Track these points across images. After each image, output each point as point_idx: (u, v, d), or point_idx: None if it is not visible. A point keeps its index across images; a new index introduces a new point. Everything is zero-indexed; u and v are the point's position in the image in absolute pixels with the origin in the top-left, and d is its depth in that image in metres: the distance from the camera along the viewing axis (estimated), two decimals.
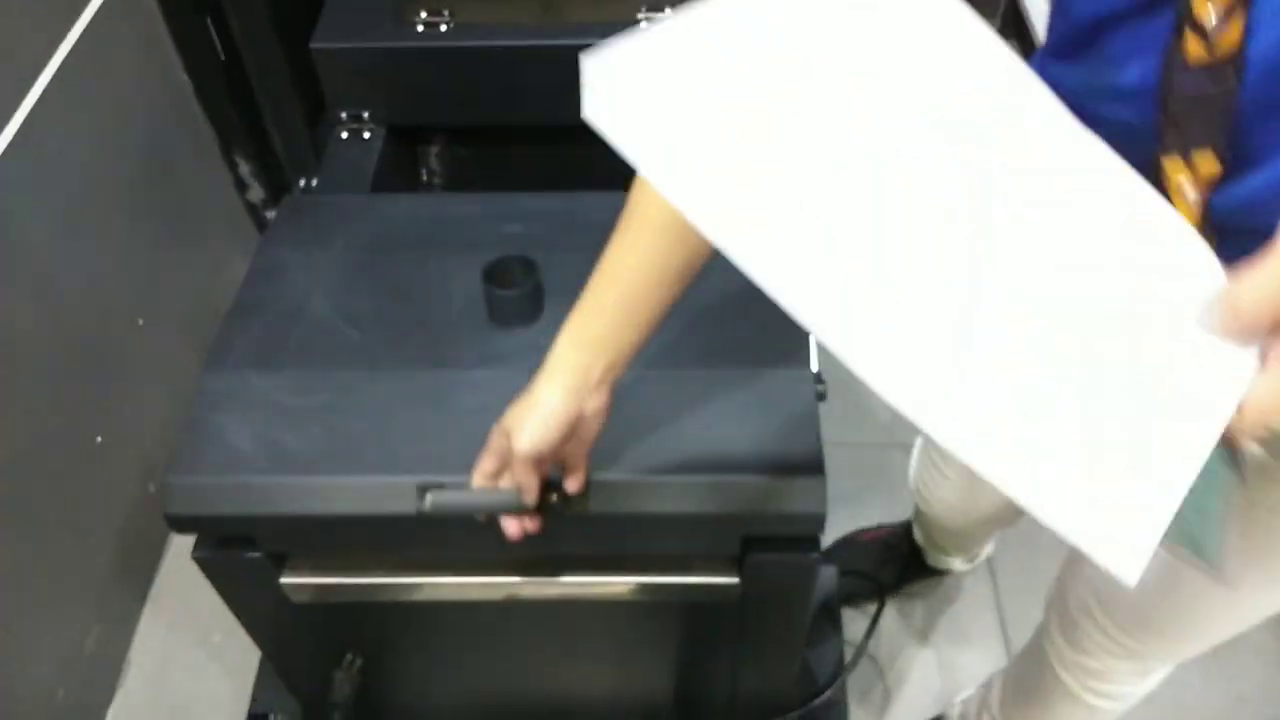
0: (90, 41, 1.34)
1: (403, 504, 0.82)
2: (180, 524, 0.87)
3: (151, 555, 1.61)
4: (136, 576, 1.58)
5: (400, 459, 0.86)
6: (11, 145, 1.21)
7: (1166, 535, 0.41)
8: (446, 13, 1.26)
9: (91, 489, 1.41)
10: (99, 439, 1.40)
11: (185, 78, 1.59)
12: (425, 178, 1.47)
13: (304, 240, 1.07)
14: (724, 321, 0.96)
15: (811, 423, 0.89)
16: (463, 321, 0.97)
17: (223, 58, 1.60)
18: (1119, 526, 0.39)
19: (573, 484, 0.79)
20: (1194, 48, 0.50)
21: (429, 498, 0.78)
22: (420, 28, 1.24)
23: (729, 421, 0.89)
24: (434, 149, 1.45)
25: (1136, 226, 0.45)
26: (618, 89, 0.43)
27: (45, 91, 1.27)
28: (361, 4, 1.29)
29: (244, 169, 1.73)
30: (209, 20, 1.56)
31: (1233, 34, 0.49)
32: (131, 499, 1.50)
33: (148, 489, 1.53)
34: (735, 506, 0.86)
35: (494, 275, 0.96)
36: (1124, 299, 0.42)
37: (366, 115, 1.29)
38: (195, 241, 1.65)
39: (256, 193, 1.77)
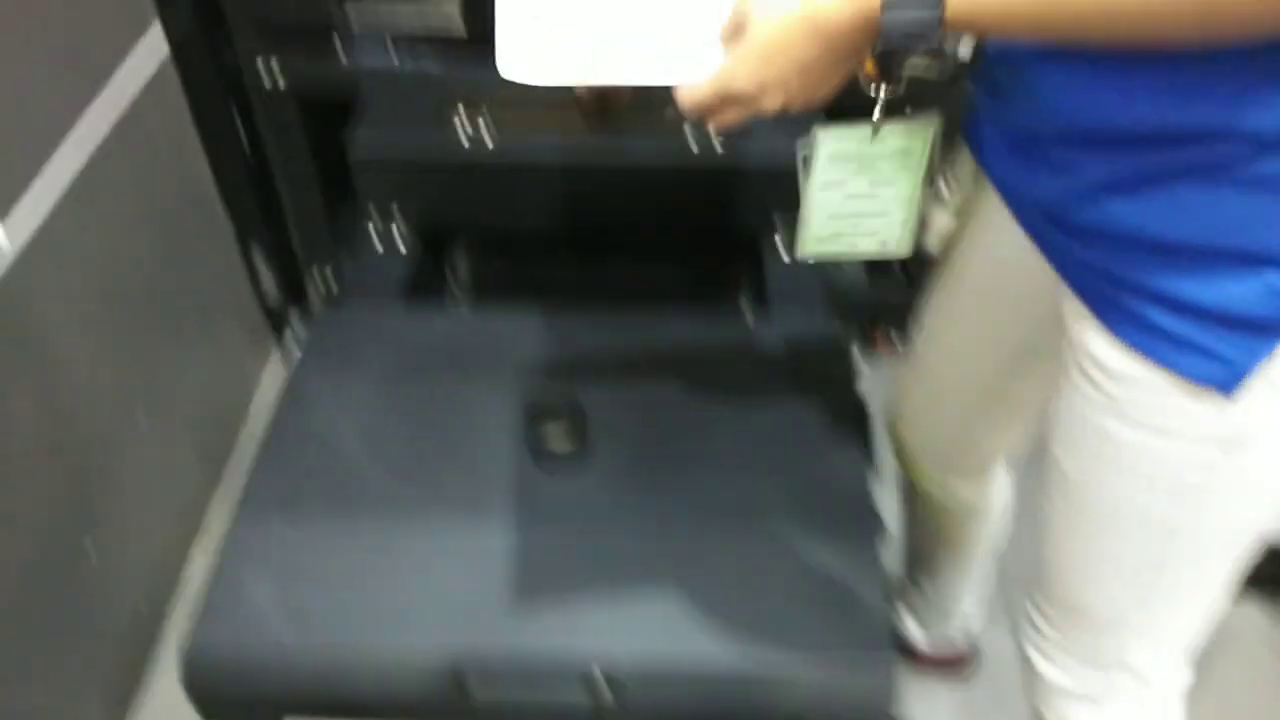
0: (120, 135, 1.29)
1: (435, 686, 0.75)
2: (201, 700, 0.79)
3: (132, 680, 1.51)
4: (117, 702, 1.48)
5: (435, 631, 0.78)
6: (35, 239, 1.15)
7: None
8: (486, 121, 1.21)
9: (75, 601, 1.32)
10: (90, 550, 1.32)
11: (208, 171, 1.53)
12: (452, 283, 1.41)
13: (335, 365, 1.01)
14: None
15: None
16: (503, 464, 0.90)
17: (248, 151, 1.55)
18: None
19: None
20: None
21: (473, 686, 0.70)
22: (464, 140, 1.19)
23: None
24: (461, 255, 1.39)
25: None
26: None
27: (72, 185, 1.21)
28: (400, 110, 1.24)
29: (260, 264, 1.67)
30: (237, 114, 1.51)
31: None
32: (116, 615, 1.41)
33: (135, 607, 1.43)
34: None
35: (538, 418, 0.89)
36: None
37: (400, 222, 1.23)
38: (205, 337, 1.58)
39: (270, 286, 1.71)
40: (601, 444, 0.91)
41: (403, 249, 1.22)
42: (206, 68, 1.45)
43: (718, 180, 1.18)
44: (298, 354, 1.04)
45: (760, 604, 0.81)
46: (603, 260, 1.37)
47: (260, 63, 1.46)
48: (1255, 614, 1.50)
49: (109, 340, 1.32)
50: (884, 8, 0.63)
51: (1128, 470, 0.79)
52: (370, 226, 1.23)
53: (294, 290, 1.78)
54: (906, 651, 1.46)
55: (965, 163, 0.96)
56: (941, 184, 1.03)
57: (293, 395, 0.98)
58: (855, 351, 1.03)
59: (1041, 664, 0.96)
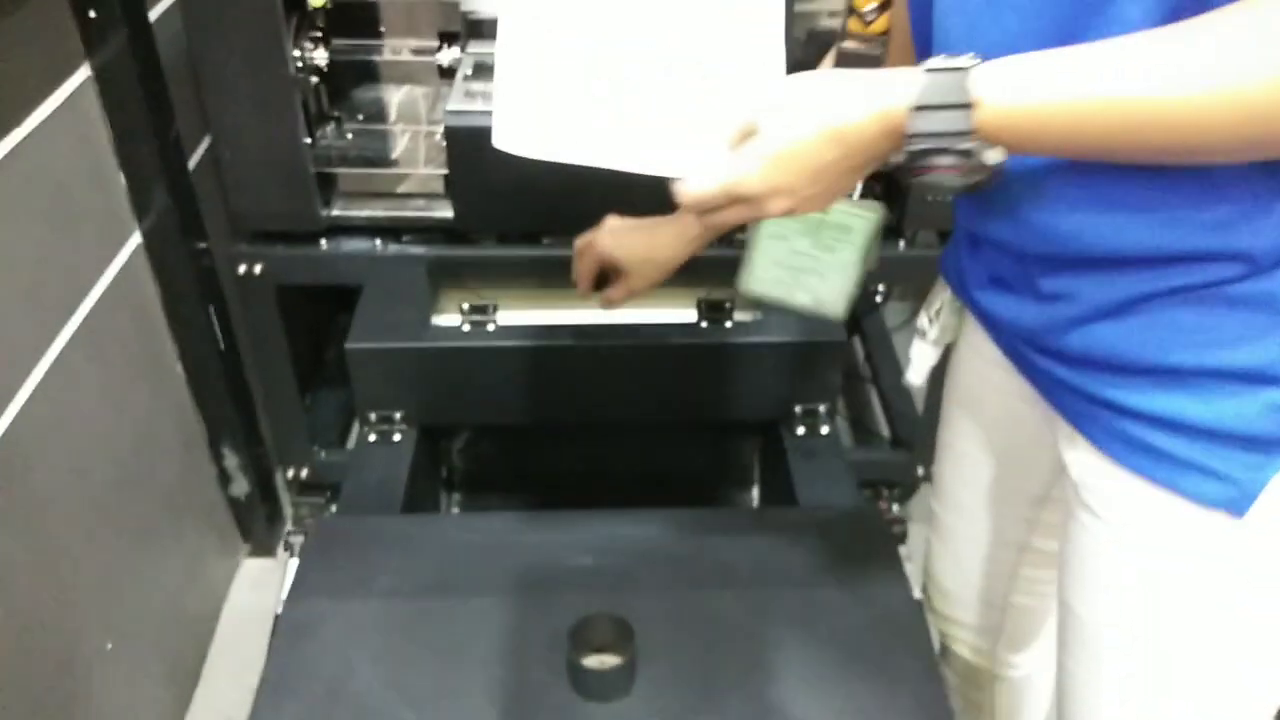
0: (87, 333, 1.22)
1: None
2: None
3: None
4: None
5: None
6: None
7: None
8: (491, 311, 1.17)
9: None
10: None
11: (179, 368, 1.46)
12: (447, 474, 1.34)
13: (338, 583, 0.91)
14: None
15: None
16: (540, 694, 0.81)
17: (222, 347, 1.49)
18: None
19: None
20: (855, 25, 0.82)
21: None
22: (466, 326, 1.14)
23: None
24: (457, 445, 1.32)
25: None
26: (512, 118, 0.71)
27: (36, 389, 1.13)
28: (395, 301, 1.19)
29: (230, 462, 1.58)
30: (211, 310, 1.46)
31: (882, 23, 0.81)
32: None
33: None
34: None
35: (580, 641, 0.81)
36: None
37: (398, 416, 1.17)
38: (172, 543, 1.47)
39: (241, 487, 1.61)
40: (647, 662, 0.83)
41: (405, 446, 1.15)
42: (179, 258, 1.41)
43: (729, 359, 1.15)
44: (292, 562, 0.95)
45: None
46: (614, 446, 1.32)
47: (235, 251, 1.42)
48: None
49: (74, 554, 1.21)
50: (911, 112, 0.59)
51: (1145, 603, 0.75)
52: (367, 428, 1.16)
53: (265, 490, 1.69)
54: None
55: (945, 297, 0.96)
56: (922, 319, 1.01)
57: (292, 622, 0.88)
58: (892, 532, 0.97)
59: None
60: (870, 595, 0.91)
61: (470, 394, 1.17)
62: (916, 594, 0.93)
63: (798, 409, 1.18)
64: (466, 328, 1.14)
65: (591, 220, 1.44)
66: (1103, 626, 0.80)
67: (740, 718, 0.80)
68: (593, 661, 0.83)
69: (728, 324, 1.14)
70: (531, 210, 1.42)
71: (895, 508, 1.85)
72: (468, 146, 1.37)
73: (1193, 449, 0.68)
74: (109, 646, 1.29)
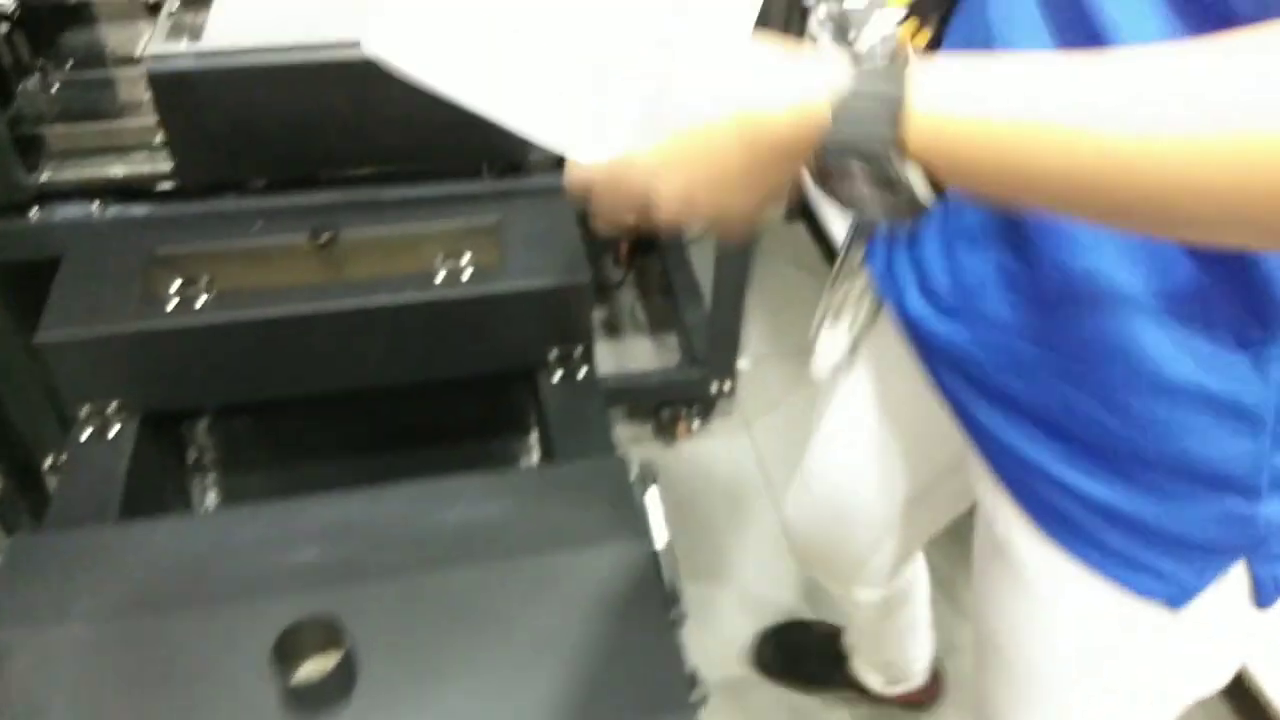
0: None
1: None
2: None
3: None
4: None
5: None
6: None
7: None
8: (204, 282, 1.07)
9: None
10: None
11: None
12: (195, 457, 1.25)
13: (31, 609, 0.83)
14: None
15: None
16: (253, 714, 0.76)
17: None
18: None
19: None
20: None
21: None
22: (173, 303, 1.04)
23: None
24: (201, 425, 1.23)
25: None
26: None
27: None
28: (97, 282, 1.08)
29: None
30: None
31: None
32: None
33: None
34: None
35: (285, 652, 0.76)
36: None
37: (114, 407, 1.07)
38: None
39: None
40: (369, 661, 0.78)
41: (124, 440, 1.05)
42: None
43: (469, 311, 1.09)
44: None
45: None
46: (383, 405, 1.25)
47: None
48: None
49: None
50: (834, 115, 0.48)
51: (1076, 660, 0.75)
52: (76, 425, 1.05)
53: (26, 480, 1.56)
54: (867, 695, 1.48)
55: (860, 285, 0.87)
56: (831, 299, 0.93)
57: None
58: (637, 480, 0.94)
59: None
60: (609, 553, 0.88)
61: (192, 374, 1.08)
62: (660, 543, 0.91)
63: (551, 354, 1.13)
64: (177, 302, 1.04)
65: (328, 163, 1.35)
66: (1028, 663, 0.79)
67: (467, 702, 0.77)
68: (306, 671, 0.78)
69: (465, 275, 1.08)
70: (259, 156, 1.31)
71: (696, 425, 1.86)
72: (175, 93, 1.24)
73: (1146, 551, 0.64)
74: None
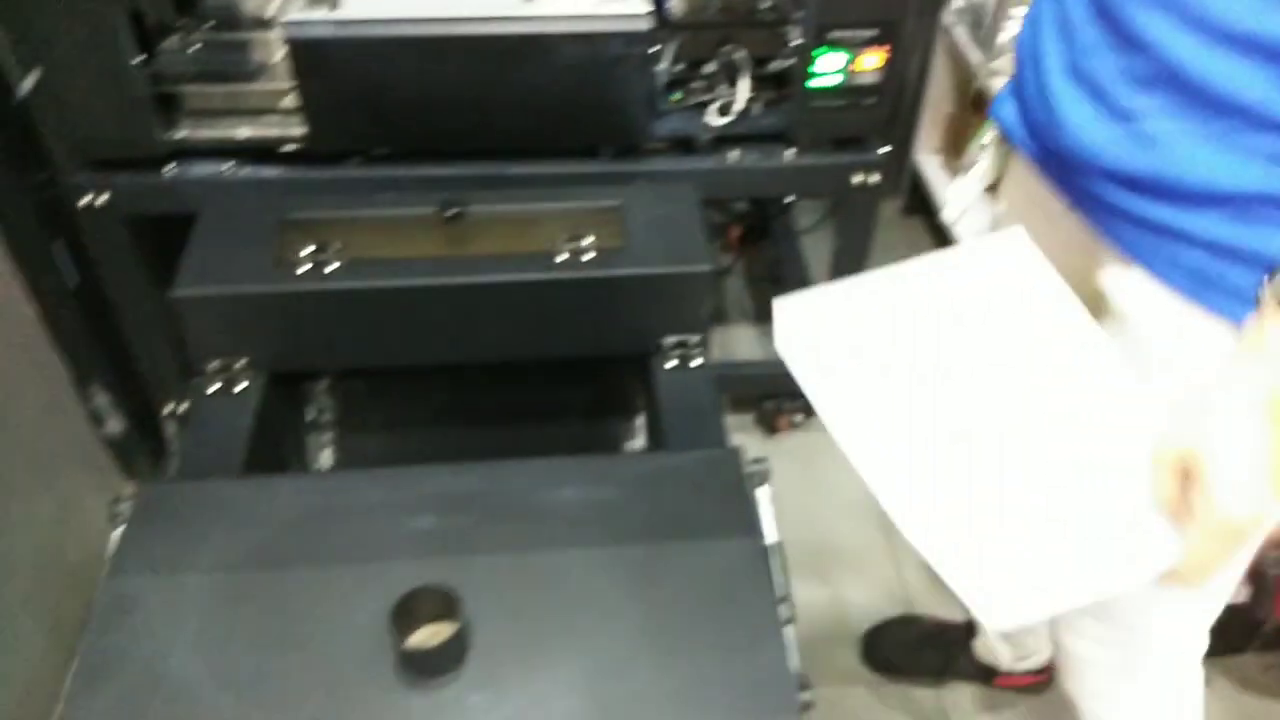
0: None
1: None
2: None
3: None
4: None
5: None
6: None
7: None
8: (335, 248, 1.09)
9: None
10: None
11: (29, 308, 1.37)
12: (313, 417, 1.28)
13: (161, 558, 0.86)
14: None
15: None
16: (367, 674, 0.77)
17: (76, 283, 1.40)
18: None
19: None
20: None
21: None
22: (305, 267, 1.07)
23: None
24: (322, 386, 1.26)
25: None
26: (799, 324, 0.66)
27: None
28: (231, 242, 1.11)
29: (100, 401, 1.51)
30: (60, 244, 1.36)
31: None
32: None
33: None
34: None
35: (405, 617, 0.77)
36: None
37: (241, 364, 1.10)
38: (39, 490, 1.41)
39: (116, 425, 1.55)
40: (481, 632, 0.79)
41: (249, 397, 1.08)
42: (15, 191, 1.31)
43: (588, 293, 1.09)
44: (115, 533, 0.90)
45: None
46: (488, 387, 1.26)
47: (77, 181, 1.32)
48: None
49: None
50: None
51: None
52: (203, 379, 1.09)
53: (146, 426, 1.62)
54: (988, 679, 1.53)
55: (993, 135, 0.99)
56: (967, 155, 1.06)
57: (112, 599, 0.83)
58: (750, 475, 0.93)
59: (1068, 639, 1.01)
60: (720, 546, 0.87)
61: (317, 338, 1.10)
62: (770, 539, 0.90)
63: (667, 341, 1.13)
64: (307, 267, 1.06)
65: (456, 137, 1.36)
66: None
67: (573, 684, 0.77)
68: (420, 637, 0.79)
69: (586, 257, 1.08)
70: (389, 126, 1.33)
71: (798, 419, 1.83)
72: (313, 60, 1.27)
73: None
74: None
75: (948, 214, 1.08)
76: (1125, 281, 0.83)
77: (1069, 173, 0.86)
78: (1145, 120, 0.75)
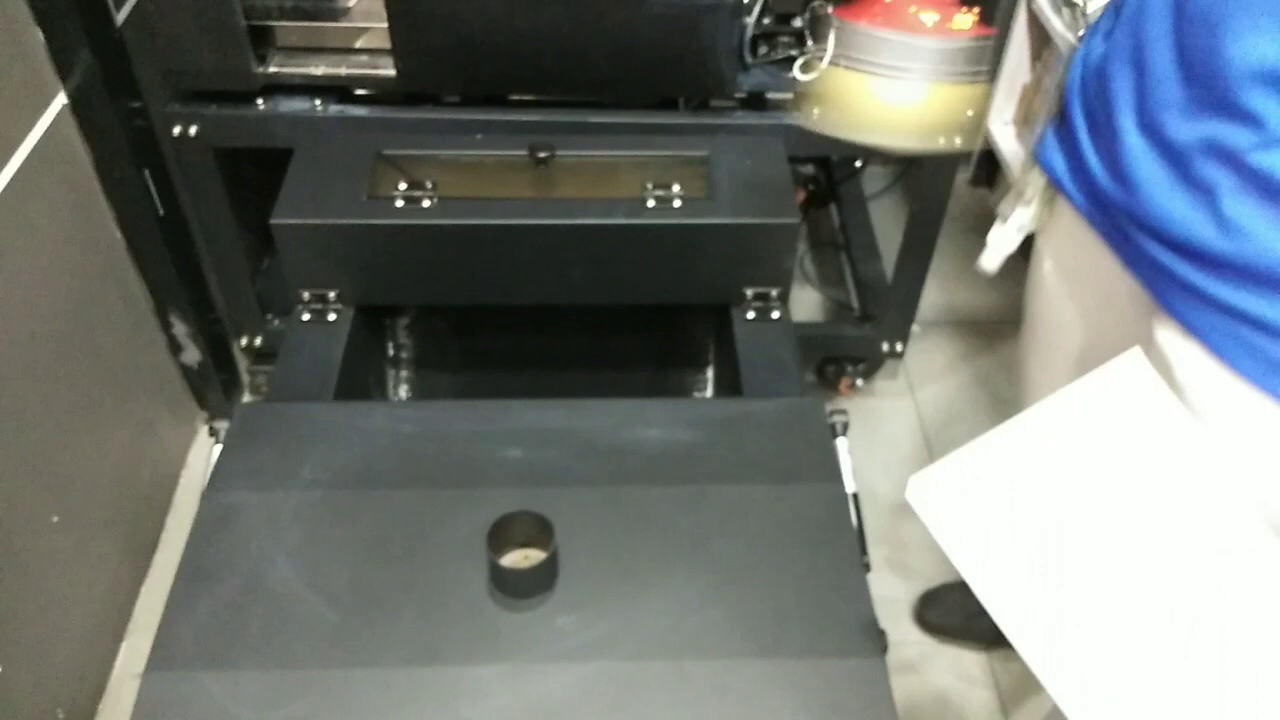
0: (15, 194, 1.16)
1: None
2: None
3: None
4: None
5: None
6: None
7: None
8: (429, 185, 1.11)
9: None
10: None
11: (117, 234, 1.41)
12: (393, 352, 1.30)
13: (261, 473, 0.89)
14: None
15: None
16: (460, 591, 0.80)
17: (161, 212, 1.43)
18: None
19: None
20: None
21: None
22: (400, 203, 1.09)
23: None
24: (403, 322, 1.29)
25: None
26: (943, 500, 0.63)
27: None
28: (327, 175, 1.13)
29: (179, 330, 1.54)
30: (148, 173, 1.39)
31: None
32: None
33: (53, 714, 1.30)
34: None
35: (500, 538, 0.79)
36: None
37: (334, 295, 1.12)
38: (120, 415, 1.45)
39: (192, 355, 1.58)
40: (570, 559, 0.81)
41: (340, 327, 1.11)
42: (109, 119, 1.33)
43: (676, 239, 1.10)
44: (215, 449, 0.92)
45: None
46: (570, 324, 1.28)
47: (169, 111, 1.35)
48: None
49: (9, 427, 1.18)
50: None
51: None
52: (300, 306, 1.11)
53: (220, 358, 1.65)
54: None
55: (1039, 184, 0.95)
56: (1005, 205, 1.04)
57: (212, 511, 0.86)
58: (832, 425, 0.95)
59: None
60: (802, 491, 0.89)
61: (408, 273, 1.12)
62: (850, 488, 0.91)
63: (748, 292, 1.13)
64: (401, 203, 1.08)
65: (543, 83, 1.37)
66: None
67: (658, 614, 0.79)
68: (513, 559, 0.81)
69: (675, 204, 1.09)
70: (478, 70, 1.34)
71: (859, 383, 1.84)
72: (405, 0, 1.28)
73: None
74: (54, 519, 1.28)
75: (986, 263, 1.02)
76: (1184, 352, 0.78)
77: (1127, 230, 0.81)
78: (1224, 198, 0.70)
